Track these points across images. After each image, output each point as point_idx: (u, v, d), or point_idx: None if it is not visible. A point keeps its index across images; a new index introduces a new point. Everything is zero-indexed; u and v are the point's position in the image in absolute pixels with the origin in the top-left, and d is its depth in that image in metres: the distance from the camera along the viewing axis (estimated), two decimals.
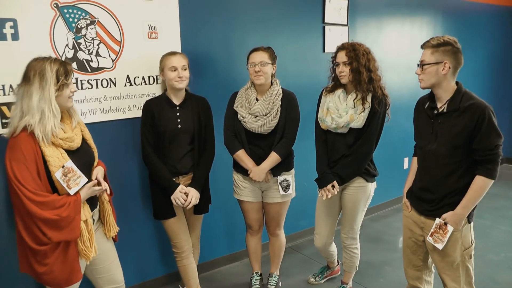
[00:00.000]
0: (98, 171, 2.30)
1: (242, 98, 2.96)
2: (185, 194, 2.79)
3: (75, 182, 2.09)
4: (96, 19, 2.81)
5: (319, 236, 3.20)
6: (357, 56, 2.75)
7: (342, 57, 2.78)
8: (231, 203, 3.30)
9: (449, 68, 2.19)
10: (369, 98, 2.79)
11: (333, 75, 2.92)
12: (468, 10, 5.88)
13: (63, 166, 2.05)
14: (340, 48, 2.82)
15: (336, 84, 2.91)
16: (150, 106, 2.79)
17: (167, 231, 2.93)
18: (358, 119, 2.78)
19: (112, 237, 2.45)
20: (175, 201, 2.77)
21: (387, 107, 2.86)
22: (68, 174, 2.06)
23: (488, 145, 2.16)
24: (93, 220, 2.29)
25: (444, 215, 2.27)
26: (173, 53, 2.79)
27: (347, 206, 3.03)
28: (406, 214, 2.56)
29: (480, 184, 2.21)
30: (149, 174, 2.89)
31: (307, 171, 3.35)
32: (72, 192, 2.08)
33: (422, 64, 2.25)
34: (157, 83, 3.11)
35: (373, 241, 4.39)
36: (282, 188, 3.03)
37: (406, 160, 5.13)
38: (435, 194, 2.34)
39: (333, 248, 3.38)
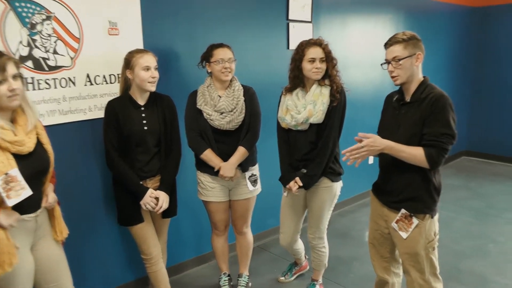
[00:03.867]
0: (50, 190, 2.16)
1: (205, 95, 2.90)
2: (155, 199, 2.70)
3: (16, 193, 1.89)
4: (53, 14, 2.67)
5: (284, 235, 3.19)
6: (330, 51, 2.78)
7: (318, 53, 2.76)
8: (196, 204, 3.21)
9: (422, 58, 2.28)
10: (328, 91, 2.79)
11: (293, 73, 2.87)
12: (429, 8, 6.04)
13: (6, 173, 1.86)
14: (314, 44, 2.79)
15: (295, 83, 2.88)
16: (113, 107, 2.66)
17: (134, 237, 2.82)
18: (317, 114, 2.77)
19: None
20: (145, 206, 2.67)
21: (346, 98, 2.86)
22: (11, 183, 1.87)
23: (435, 131, 2.17)
24: (36, 221, 2.12)
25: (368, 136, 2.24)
26: (144, 51, 2.68)
27: (313, 207, 3.02)
28: (372, 207, 2.60)
29: (418, 154, 2.19)
30: (113, 179, 2.78)
31: (271, 170, 3.33)
32: (10, 203, 1.90)
33: (396, 60, 2.26)
34: (118, 82, 2.98)
35: (342, 236, 4.42)
36: (251, 182, 3.03)
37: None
38: (395, 185, 2.37)
39: (299, 245, 3.37)
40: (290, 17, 4.05)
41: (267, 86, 3.62)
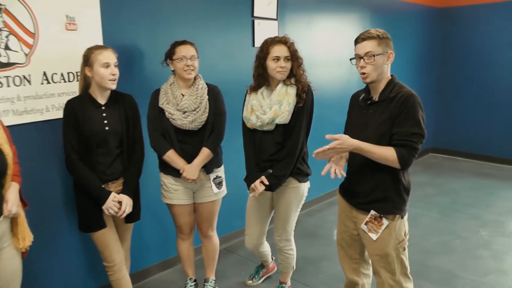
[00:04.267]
0: (11, 192, 2.04)
1: (168, 94, 2.82)
2: (118, 203, 2.59)
3: None
4: (3, 6, 2.52)
5: (249, 237, 3.14)
6: (295, 50, 2.73)
7: (283, 51, 2.70)
8: (161, 207, 3.12)
9: (393, 58, 2.25)
10: (294, 91, 2.74)
11: (258, 71, 2.80)
12: (395, 8, 6.14)
13: None
14: (279, 42, 2.73)
15: (259, 82, 2.82)
16: (72, 106, 2.54)
17: (96, 243, 2.70)
18: (283, 114, 2.72)
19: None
20: (108, 211, 2.56)
21: (313, 98, 2.82)
22: None
23: (405, 131, 2.13)
24: None
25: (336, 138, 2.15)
26: (104, 47, 2.57)
27: (279, 208, 2.97)
28: (340, 208, 2.55)
29: (389, 155, 2.14)
30: (74, 182, 2.65)
31: (238, 170, 3.26)
32: None
33: (369, 56, 2.20)
34: (77, 80, 2.84)
35: (310, 236, 4.40)
36: (216, 185, 2.96)
37: None
38: (364, 187, 2.33)
39: (265, 247, 3.32)
40: (255, 14, 4.00)
41: (232, 85, 3.56)
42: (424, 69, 7.10)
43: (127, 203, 2.62)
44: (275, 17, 4.21)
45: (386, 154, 2.15)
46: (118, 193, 2.62)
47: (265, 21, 4.12)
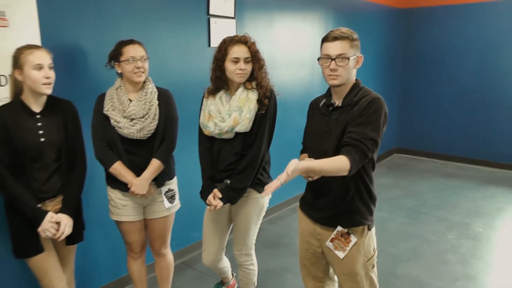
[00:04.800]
0: None
1: (113, 99, 2.58)
2: (56, 223, 2.33)
3: None
4: None
5: (207, 253, 2.90)
6: (257, 51, 2.54)
7: (243, 52, 2.50)
8: (110, 223, 2.85)
9: (362, 62, 2.10)
10: (255, 96, 2.55)
11: (215, 74, 2.59)
12: (358, 8, 6.14)
13: None
14: (238, 42, 2.52)
15: (217, 85, 2.61)
16: (2, 115, 2.26)
17: (33, 270, 2.41)
18: (243, 122, 2.51)
19: None
20: (44, 233, 2.29)
21: (276, 103, 2.64)
22: None
23: (363, 132, 1.94)
24: None
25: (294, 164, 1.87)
26: (35, 47, 2.30)
27: (239, 221, 2.76)
28: (301, 225, 2.36)
29: (342, 165, 1.90)
30: (5, 202, 2.36)
31: (194, 179, 3.02)
32: None
33: (342, 58, 2.01)
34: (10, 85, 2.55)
35: (272, 246, 4.22)
36: (168, 199, 2.74)
37: None
38: (327, 200, 2.15)
39: (225, 263, 3.10)
40: (211, 12, 3.79)
41: (186, 87, 3.38)
42: (387, 69, 7.14)
43: (67, 224, 2.35)
44: (233, 15, 4.01)
45: (339, 165, 1.91)
46: (57, 213, 2.36)
47: (222, 20, 3.91)
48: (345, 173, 1.92)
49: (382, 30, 6.86)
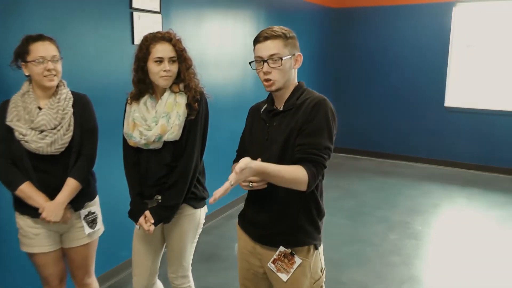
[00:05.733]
0: None
1: (19, 108, 2.22)
2: None
3: None
4: None
5: (138, 277, 2.56)
6: (183, 49, 2.26)
7: (167, 50, 2.22)
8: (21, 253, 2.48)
9: (301, 61, 1.91)
10: (184, 100, 2.28)
11: (138, 76, 2.30)
12: (292, 6, 6.11)
13: None
14: (162, 39, 2.23)
15: (141, 89, 2.32)
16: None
17: None
18: (172, 129, 2.24)
19: None
20: None
21: (207, 106, 2.39)
22: None
23: (317, 143, 1.79)
24: None
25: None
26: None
27: (173, 241, 2.47)
28: (241, 243, 2.13)
29: (300, 176, 1.74)
30: None
31: (122, 192, 2.66)
32: None
33: (275, 59, 1.81)
34: None
35: (208, 259, 3.94)
36: (88, 224, 2.41)
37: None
38: (269, 216, 1.93)
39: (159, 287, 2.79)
40: (134, 5, 3.46)
41: (107, 92, 3.08)
42: (322, 68, 7.21)
43: None
44: (158, 10, 3.70)
45: (297, 175, 1.74)
46: None
47: (147, 14, 3.59)
48: (303, 188, 1.75)
49: (316, 29, 6.88)
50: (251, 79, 4.89)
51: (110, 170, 2.87)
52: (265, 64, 1.82)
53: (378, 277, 3.63)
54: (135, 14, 3.48)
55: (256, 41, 1.86)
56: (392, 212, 5.07)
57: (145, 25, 3.56)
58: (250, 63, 1.90)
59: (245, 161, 1.63)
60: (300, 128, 1.81)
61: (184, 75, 2.27)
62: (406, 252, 4.06)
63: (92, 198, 2.45)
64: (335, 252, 4.02)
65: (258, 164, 1.68)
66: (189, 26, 4.16)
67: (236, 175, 1.60)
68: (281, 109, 1.90)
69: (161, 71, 2.21)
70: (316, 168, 1.77)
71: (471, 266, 3.82)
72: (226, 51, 4.70)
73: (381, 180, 6.35)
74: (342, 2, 7.39)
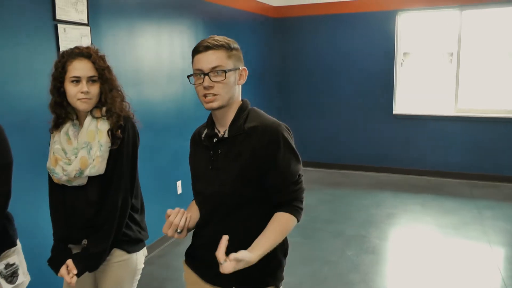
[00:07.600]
0: None
1: None
2: None
3: None
4: None
5: None
6: (105, 67, 1.98)
7: (85, 69, 1.94)
8: None
9: (246, 76, 1.73)
10: (106, 126, 2.01)
11: (54, 99, 2.00)
12: (230, 16, 6.01)
13: None
14: (79, 55, 1.95)
15: (59, 115, 2.02)
16: None
17: None
18: (94, 162, 1.97)
19: None
20: None
21: (136, 132, 2.10)
22: None
23: (290, 178, 1.69)
24: None
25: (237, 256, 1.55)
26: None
27: None
28: (188, 282, 1.91)
29: (290, 226, 1.71)
30: None
31: (46, 241, 2.35)
32: None
33: (218, 71, 1.61)
34: None
35: None
36: (7, 279, 2.06)
37: (179, 183, 4.61)
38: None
39: None
40: (58, 17, 3.16)
41: (31, 116, 2.77)
42: (265, 79, 7.14)
43: None
44: (86, 22, 3.41)
45: (289, 227, 1.71)
46: None
47: (73, 27, 3.30)
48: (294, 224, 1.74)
49: (257, 39, 6.79)
50: (191, 94, 4.63)
51: (36, 209, 2.57)
52: (206, 77, 1.61)
53: None
54: (60, 26, 3.18)
55: (196, 51, 1.65)
56: (347, 225, 4.97)
57: (72, 39, 3.27)
58: (188, 76, 1.69)
59: (245, 255, 1.55)
60: (261, 164, 1.65)
61: (106, 97, 2.00)
62: (365, 269, 3.94)
63: (10, 245, 2.09)
64: (290, 275, 3.73)
65: (257, 254, 1.58)
66: (121, 38, 3.89)
67: (231, 266, 1.52)
68: (226, 135, 1.70)
69: (78, 92, 1.92)
70: (298, 202, 1.72)
71: (431, 278, 3.76)
72: (162, 64, 4.48)
73: (332, 191, 6.27)
74: (280, 12, 7.39)
